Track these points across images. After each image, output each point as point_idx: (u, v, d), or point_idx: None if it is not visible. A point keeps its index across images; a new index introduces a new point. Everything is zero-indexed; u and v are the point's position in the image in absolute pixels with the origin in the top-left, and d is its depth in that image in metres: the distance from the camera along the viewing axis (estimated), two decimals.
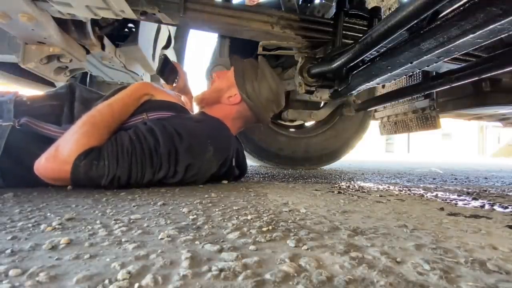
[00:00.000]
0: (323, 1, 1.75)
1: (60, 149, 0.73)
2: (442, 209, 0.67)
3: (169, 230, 0.42)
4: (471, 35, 0.56)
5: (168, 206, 0.59)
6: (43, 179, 0.73)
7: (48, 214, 0.50)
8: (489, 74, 0.84)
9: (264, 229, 0.44)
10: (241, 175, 1.16)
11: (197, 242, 0.38)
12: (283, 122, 2.09)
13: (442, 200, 0.83)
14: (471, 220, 0.57)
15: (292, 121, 2.04)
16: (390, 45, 0.79)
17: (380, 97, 1.46)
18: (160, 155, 0.80)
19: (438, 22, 0.63)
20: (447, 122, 2.28)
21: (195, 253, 0.33)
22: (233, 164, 1.06)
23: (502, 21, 0.50)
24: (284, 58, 1.78)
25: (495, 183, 1.50)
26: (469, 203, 0.78)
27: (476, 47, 0.61)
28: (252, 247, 0.36)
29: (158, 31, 1.57)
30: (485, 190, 1.11)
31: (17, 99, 0.84)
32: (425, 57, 0.68)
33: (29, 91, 1.46)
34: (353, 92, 1.05)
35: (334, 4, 1.56)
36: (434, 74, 1.24)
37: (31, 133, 0.78)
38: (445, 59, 0.69)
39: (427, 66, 0.75)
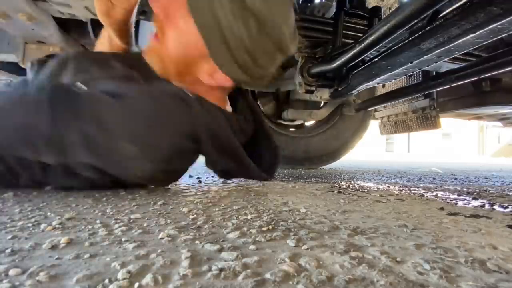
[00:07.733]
0: (323, 0, 1.74)
1: None
2: (442, 208, 0.67)
3: (169, 229, 0.42)
4: (472, 35, 0.55)
5: (168, 205, 0.59)
6: None
7: (48, 213, 0.50)
8: (489, 74, 0.84)
9: (264, 228, 0.44)
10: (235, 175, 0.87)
11: (197, 242, 0.38)
12: (283, 122, 2.09)
13: (442, 199, 0.83)
14: (471, 219, 0.57)
15: (292, 120, 2.03)
16: (390, 44, 0.79)
17: (380, 97, 1.46)
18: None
19: (438, 22, 0.63)
20: (447, 122, 2.28)
21: (195, 253, 0.33)
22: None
23: (503, 21, 0.50)
24: None
25: (495, 182, 1.50)
26: (469, 203, 0.78)
27: (477, 46, 0.61)
28: (252, 247, 0.36)
29: None
30: (485, 190, 1.11)
31: None
32: (425, 56, 0.68)
33: None
34: (353, 91, 1.05)
35: (334, 3, 1.56)
36: (434, 73, 1.24)
37: None
38: (445, 59, 0.69)
39: (427, 65, 0.75)
